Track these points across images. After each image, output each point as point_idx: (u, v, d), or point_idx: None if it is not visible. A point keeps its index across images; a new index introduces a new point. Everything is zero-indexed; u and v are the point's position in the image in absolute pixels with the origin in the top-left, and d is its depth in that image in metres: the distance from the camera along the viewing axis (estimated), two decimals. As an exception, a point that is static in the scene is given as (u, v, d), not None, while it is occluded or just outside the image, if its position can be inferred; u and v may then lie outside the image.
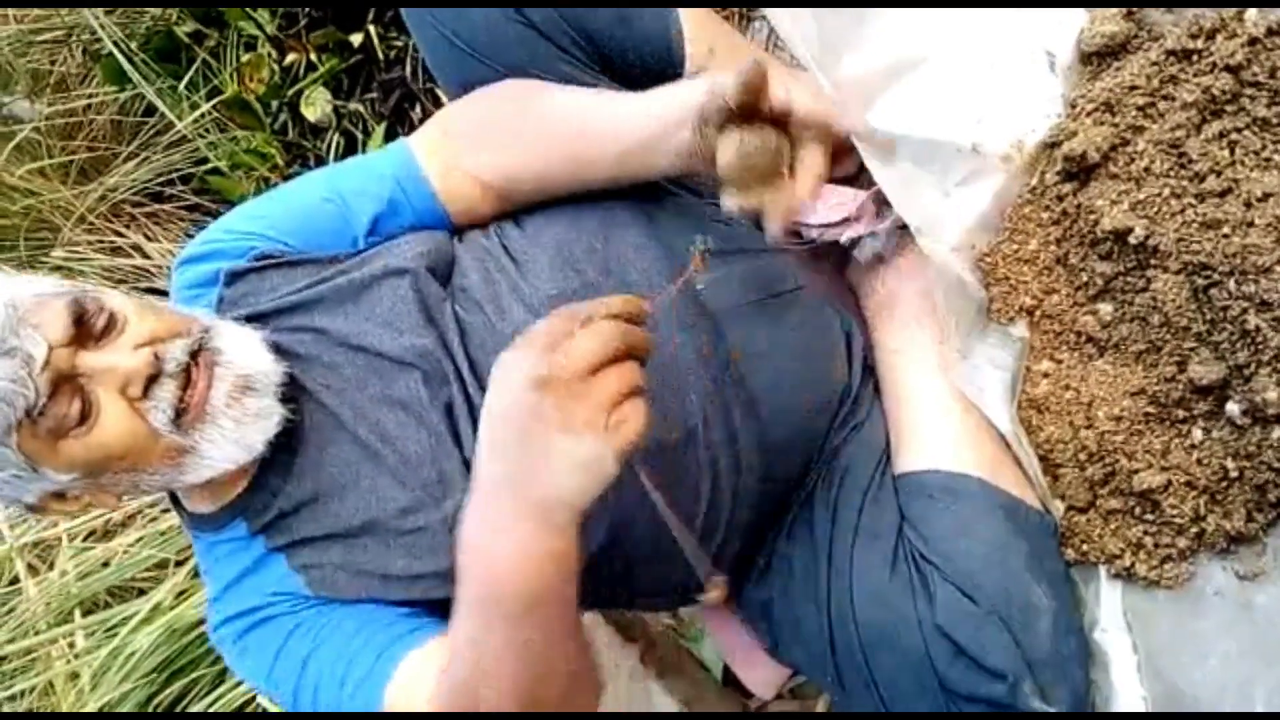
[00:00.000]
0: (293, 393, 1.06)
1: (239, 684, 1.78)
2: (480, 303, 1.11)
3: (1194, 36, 1.05)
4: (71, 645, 1.98)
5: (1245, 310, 0.97)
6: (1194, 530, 1.05)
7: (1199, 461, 1.04)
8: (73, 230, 2.41)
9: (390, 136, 2.02)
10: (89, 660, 1.89)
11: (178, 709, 1.84)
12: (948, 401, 1.14)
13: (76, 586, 1.98)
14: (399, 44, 2.06)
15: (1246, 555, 1.04)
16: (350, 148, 2.13)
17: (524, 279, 1.11)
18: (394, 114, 2.08)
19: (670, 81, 1.24)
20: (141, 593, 1.98)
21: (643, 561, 1.11)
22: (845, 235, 1.25)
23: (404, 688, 0.95)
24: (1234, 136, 1.01)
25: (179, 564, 1.96)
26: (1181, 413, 1.05)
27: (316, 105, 2.11)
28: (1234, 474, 1.02)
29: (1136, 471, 1.06)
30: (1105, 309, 1.10)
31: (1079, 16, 1.15)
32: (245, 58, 2.17)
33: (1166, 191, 1.03)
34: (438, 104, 1.91)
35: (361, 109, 2.10)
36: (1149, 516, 1.07)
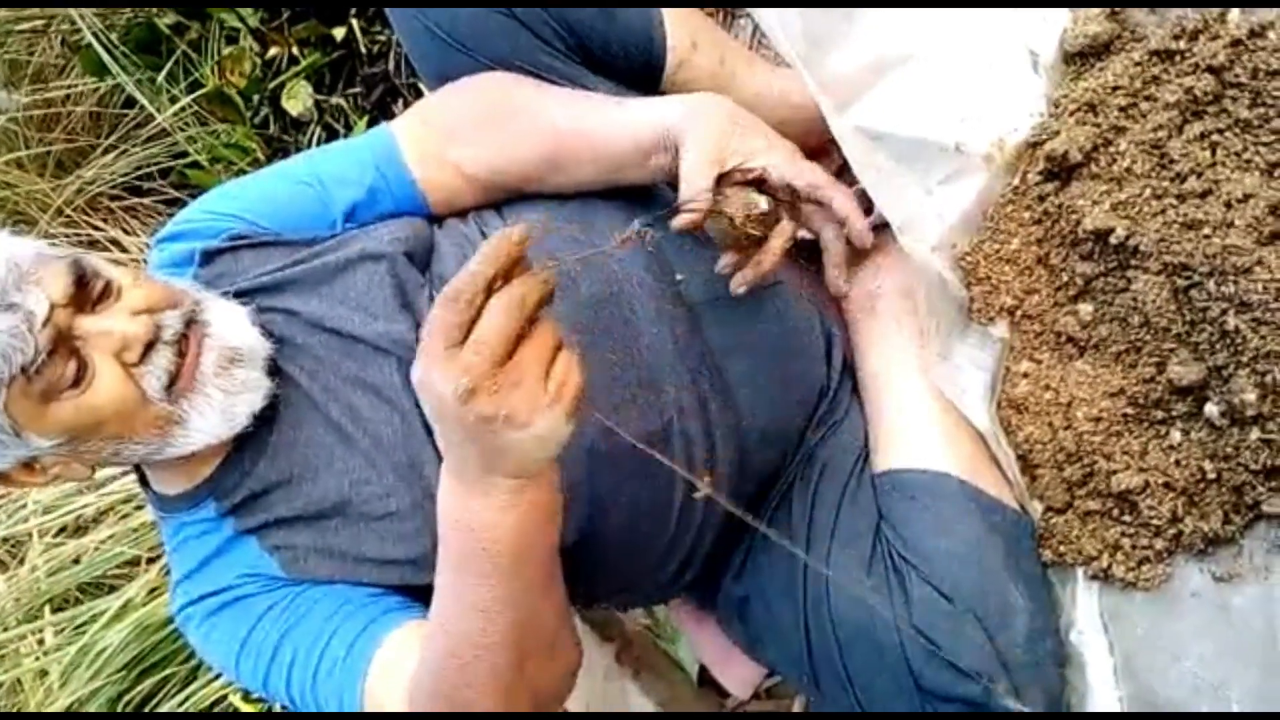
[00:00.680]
0: (272, 371, 1.05)
1: (211, 682, 1.76)
2: None
3: (1177, 37, 1.05)
4: (41, 642, 1.95)
5: (1225, 311, 0.97)
6: (1171, 532, 1.05)
7: (1177, 463, 1.04)
8: (49, 223, 2.38)
9: (372, 132, 2.01)
10: (58, 657, 1.86)
11: (148, 707, 1.81)
12: (927, 401, 1.14)
13: (46, 582, 1.96)
14: (382, 38, 2.05)
15: (1223, 557, 1.04)
16: (332, 142, 2.11)
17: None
18: (376, 108, 2.07)
19: (651, 75, 1.25)
20: (112, 589, 1.95)
21: (616, 557, 1.10)
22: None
23: (384, 668, 0.95)
24: (1215, 138, 1.02)
25: (151, 561, 1.93)
26: (1160, 414, 1.05)
27: (298, 99, 2.10)
28: (1212, 475, 1.02)
29: (1114, 473, 1.06)
30: (1085, 309, 1.09)
31: (1062, 16, 1.15)
32: (226, 51, 2.15)
33: (1148, 192, 1.03)
34: (420, 98, 1.90)
35: (344, 103, 2.09)
36: (1126, 518, 1.07)
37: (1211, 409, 1.00)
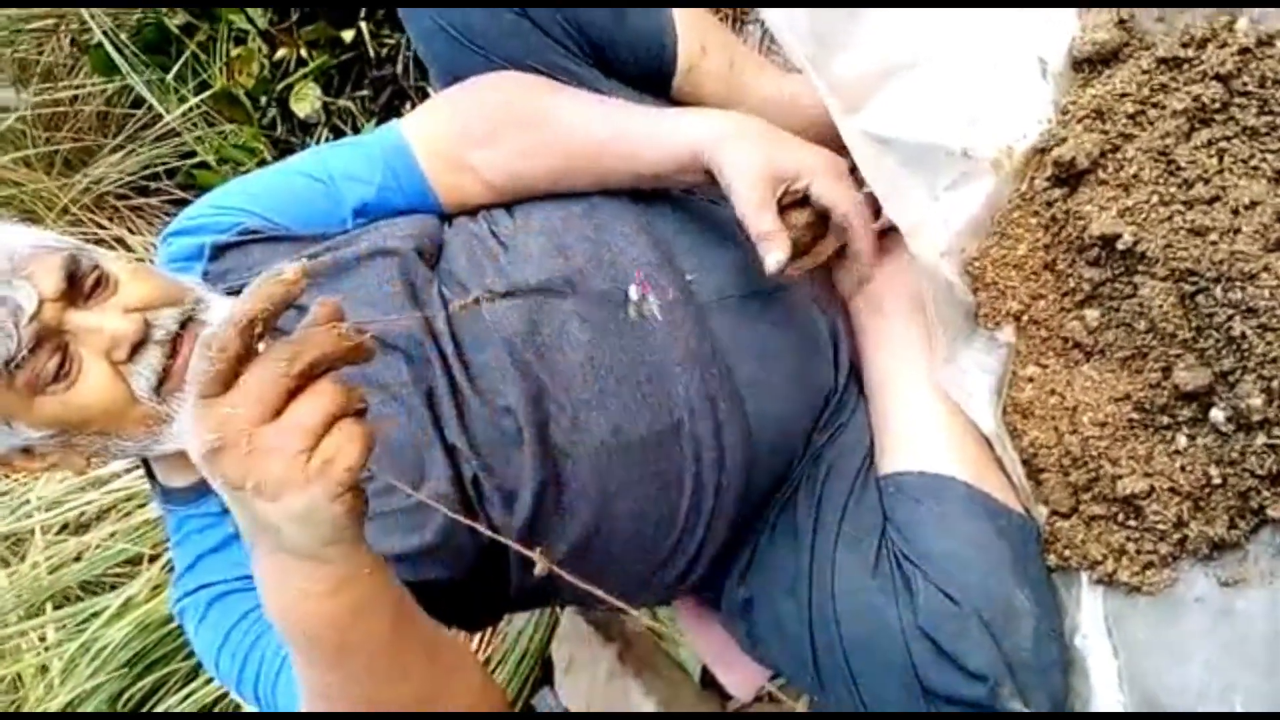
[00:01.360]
0: None
1: (212, 679, 1.76)
2: (467, 287, 1.10)
3: (1185, 45, 1.05)
4: (42, 638, 1.95)
5: (1231, 317, 0.97)
6: (1176, 536, 1.05)
7: (1182, 468, 1.04)
8: (56, 221, 2.39)
9: (380, 134, 2.01)
10: (59, 653, 1.86)
11: (149, 704, 1.82)
12: (933, 404, 1.14)
13: (48, 579, 1.96)
14: (391, 41, 2.06)
15: (1228, 562, 1.04)
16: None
17: (512, 265, 1.10)
18: (385, 111, 2.08)
19: (661, 79, 1.26)
20: (114, 587, 1.95)
21: (622, 557, 1.11)
22: (834, 236, 1.25)
23: None
24: (1223, 145, 1.02)
25: (152, 559, 1.94)
26: (1166, 419, 1.06)
27: (306, 101, 2.11)
28: (1217, 480, 1.02)
29: (1120, 477, 1.06)
30: (1092, 315, 1.10)
31: (1071, 24, 1.16)
32: (235, 51, 2.16)
33: (1155, 198, 1.03)
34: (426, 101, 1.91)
35: (352, 106, 2.10)
36: (1132, 522, 1.07)
37: (1217, 414, 1.01)
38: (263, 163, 2.19)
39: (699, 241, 1.17)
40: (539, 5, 1.17)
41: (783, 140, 1.09)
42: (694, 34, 1.27)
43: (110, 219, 2.43)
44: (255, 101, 2.19)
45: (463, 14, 1.18)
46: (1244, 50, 1.01)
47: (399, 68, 2.05)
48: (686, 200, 1.24)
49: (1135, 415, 1.07)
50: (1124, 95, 1.08)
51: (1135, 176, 1.05)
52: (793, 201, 1.08)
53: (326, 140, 2.14)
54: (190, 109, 2.20)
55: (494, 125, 1.16)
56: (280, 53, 2.12)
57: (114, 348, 0.95)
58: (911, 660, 1.02)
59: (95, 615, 1.87)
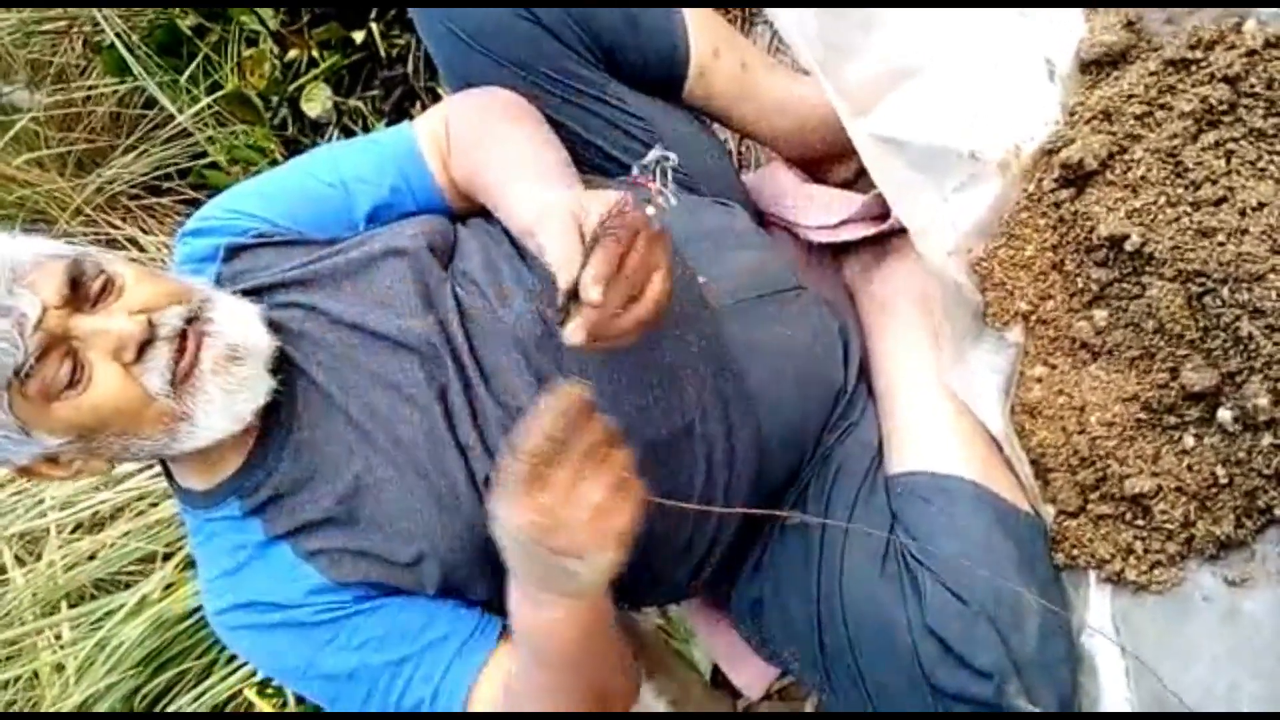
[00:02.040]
0: (284, 368, 1.06)
1: (226, 677, 1.77)
2: (481, 286, 1.11)
3: (1193, 47, 1.06)
4: (58, 637, 1.96)
5: (1238, 317, 0.98)
6: (1184, 536, 1.05)
7: (1190, 467, 1.05)
8: (69, 222, 2.39)
9: (390, 135, 2.02)
10: (74, 651, 1.87)
11: (164, 702, 1.83)
12: (941, 404, 1.15)
13: (63, 578, 1.97)
14: (401, 41, 2.06)
15: (1235, 561, 1.04)
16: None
17: (526, 266, 1.11)
18: (395, 111, 2.08)
19: (673, 82, 1.26)
20: (129, 585, 1.96)
21: (635, 554, 1.11)
22: (842, 237, 1.26)
23: (477, 705, 1.04)
24: (1230, 146, 1.03)
25: (167, 557, 1.94)
26: (1173, 419, 1.06)
27: (317, 101, 2.11)
28: (1224, 480, 1.03)
29: (1127, 477, 1.07)
30: (1100, 315, 1.10)
31: (1079, 26, 1.16)
32: (247, 52, 2.16)
33: (1162, 199, 1.04)
34: (439, 102, 1.92)
35: (362, 106, 2.11)
36: (1139, 522, 1.08)
37: (1225, 414, 1.01)
38: (274, 163, 2.19)
39: (711, 245, 1.18)
40: (549, 5, 1.18)
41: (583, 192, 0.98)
42: (706, 36, 1.27)
43: (123, 219, 2.44)
44: (266, 102, 2.19)
45: (473, 17, 1.18)
46: (1251, 52, 1.02)
47: (410, 68, 2.06)
48: (698, 204, 1.25)
49: (1143, 415, 1.07)
50: (1131, 97, 1.09)
51: (1143, 178, 1.05)
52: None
53: (337, 140, 2.14)
54: (202, 109, 2.21)
55: (457, 142, 1.18)
56: (291, 54, 2.13)
57: (121, 349, 0.96)
58: (919, 658, 1.03)
59: (110, 614, 1.87)
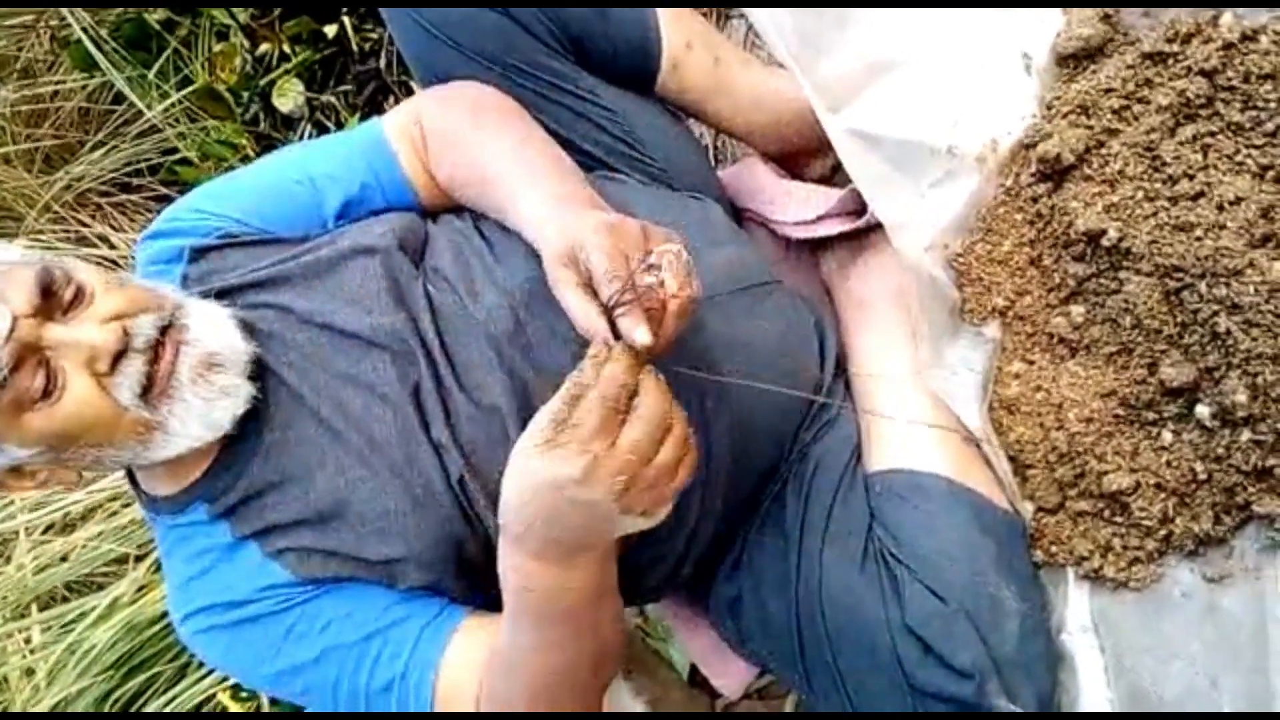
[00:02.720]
0: (257, 372, 1.04)
1: (199, 680, 1.75)
2: (453, 283, 1.09)
3: (1170, 40, 1.06)
4: (27, 640, 1.94)
5: (1216, 313, 0.97)
6: (1162, 532, 1.05)
7: (1168, 464, 1.04)
8: (37, 219, 2.36)
9: (363, 130, 2.00)
10: (45, 655, 1.85)
11: (136, 705, 1.80)
12: (919, 401, 1.14)
13: (34, 580, 1.94)
14: (374, 36, 2.04)
15: (1214, 557, 1.04)
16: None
17: (498, 262, 1.10)
18: (368, 106, 2.06)
19: (645, 75, 1.25)
20: (100, 587, 1.94)
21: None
22: (818, 232, 1.25)
23: (451, 685, 1.01)
24: (1207, 140, 1.02)
25: (139, 559, 1.92)
26: (1151, 415, 1.06)
27: (289, 96, 2.09)
28: (1203, 476, 1.02)
29: (1106, 473, 1.06)
30: (1077, 311, 1.10)
31: (1055, 19, 1.16)
32: (217, 47, 2.14)
33: (1140, 194, 1.04)
34: (412, 96, 1.90)
35: (335, 101, 2.08)
36: (1118, 518, 1.08)
37: (1203, 410, 1.01)
38: (245, 159, 2.17)
39: (687, 239, 1.17)
40: (522, 5, 1.16)
41: (579, 217, 0.93)
42: (678, 29, 1.26)
43: (93, 216, 2.41)
44: (238, 97, 2.16)
45: (443, 13, 1.17)
46: (1228, 45, 1.01)
47: (382, 62, 2.04)
48: (672, 199, 1.24)
49: (1121, 411, 1.07)
50: (1109, 90, 1.08)
51: (1120, 172, 1.05)
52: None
53: (310, 135, 2.12)
54: (172, 105, 2.18)
55: (443, 137, 1.16)
56: (262, 48, 2.10)
57: (95, 359, 0.94)
58: (898, 658, 1.02)
59: (82, 616, 1.85)
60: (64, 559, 1.97)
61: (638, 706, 1.45)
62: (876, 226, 1.18)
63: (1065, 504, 1.11)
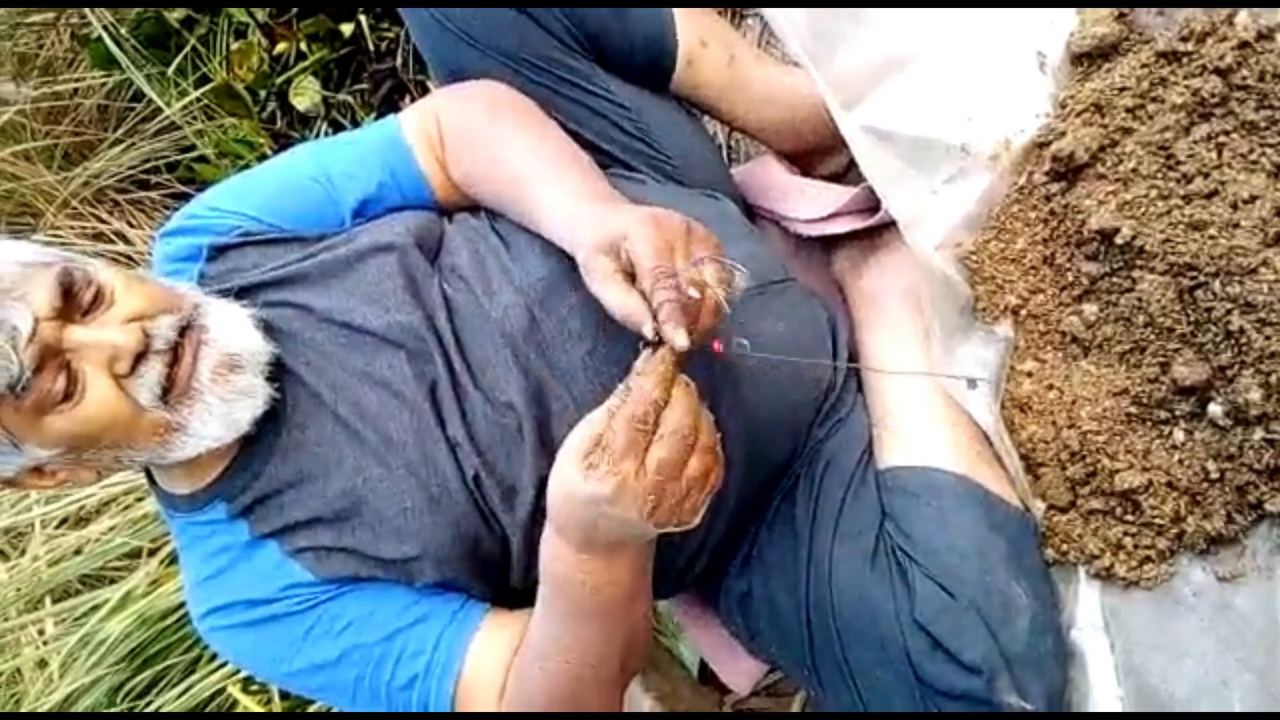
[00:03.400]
0: (275, 371, 1.05)
1: (211, 673, 1.76)
2: (469, 282, 1.10)
3: (1184, 39, 1.05)
4: (41, 632, 1.95)
5: (1230, 311, 0.97)
6: (1174, 531, 1.05)
7: (1180, 462, 1.04)
8: (55, 215, 2.39)
9: (379, 129, 2.01)
10: (58, 647, 1.86)
11: (148, 698, 1.82)
12: (931, 399, 1.14)
13: (48, 573, 1.96)
14: (390, 35, 2.05)
15: (1226, 557, 1.04)
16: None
17: (514, 261, 1.10)
18: (384, 105, 2.07)
19: (660, 72, 1.26)
20: (113, 581, 1.95)
21: None
22: (831, 229, 1.25)
23: (472, 684, 1.02)
24: (1222, 139, 1.02)
25: (152, 552, 1.93)
26: (1164, 413, 1.05)
27: (306, 95, 2.11)
28: (1215, 475, 1.02)
29: (1118, 472, 1.06)
30: (1090, 309, 1.10)
31: (1070, 18, 1.16)
32: (235, 45, 2.16)
33: (1154, 193, 1.03)
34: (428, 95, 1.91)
35: (351, 100, 2.10)
36: (1129, 517, 1.07)
37: (1215, 409, 1.01)
38: (263, 157, 2.18)
39: None
40: (539, 5, 1.17)
41: (616, 210, 0.94)
42: (693, 27, 1.26)
43: (111, 213, 2.43)
44: (255, 95, 2.18)
45: (462, 9, 1.17)
46: (1243, 44, 1.01)
47: (398, 61, 2.05)
48: (686, 196, 1.24)
49: (1133, 410, 1.07)
50: (1123, 89, 1.08)
51: (1134, 171, 1.05)
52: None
53: (326, 134, 2.13)
54: (190, 103, 2.20)
55: (460, 136, 1.16)
56: (280, 47, 2.12)
57: (115, 360, 0.95)
58: (908, 653, 1.02)
59: (95, 609, 1.87)
60: (78, 552, 1.99)
61: (647, 703, 1.45)
62: (889, 224, 1.18)
63: (1077, 502, 1.10)
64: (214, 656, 1.78)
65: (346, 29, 2.05)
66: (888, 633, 1.03)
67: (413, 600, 1.05)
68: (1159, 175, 1.04)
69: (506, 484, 1.05)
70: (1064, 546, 1.10)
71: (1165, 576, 1.06)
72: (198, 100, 2.20)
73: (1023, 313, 1.14)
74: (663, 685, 1.47)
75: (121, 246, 2.36)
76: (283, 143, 2.21)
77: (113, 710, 1.83)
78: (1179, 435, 1.05)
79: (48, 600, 1.97)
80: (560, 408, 1.06)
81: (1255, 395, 0.97)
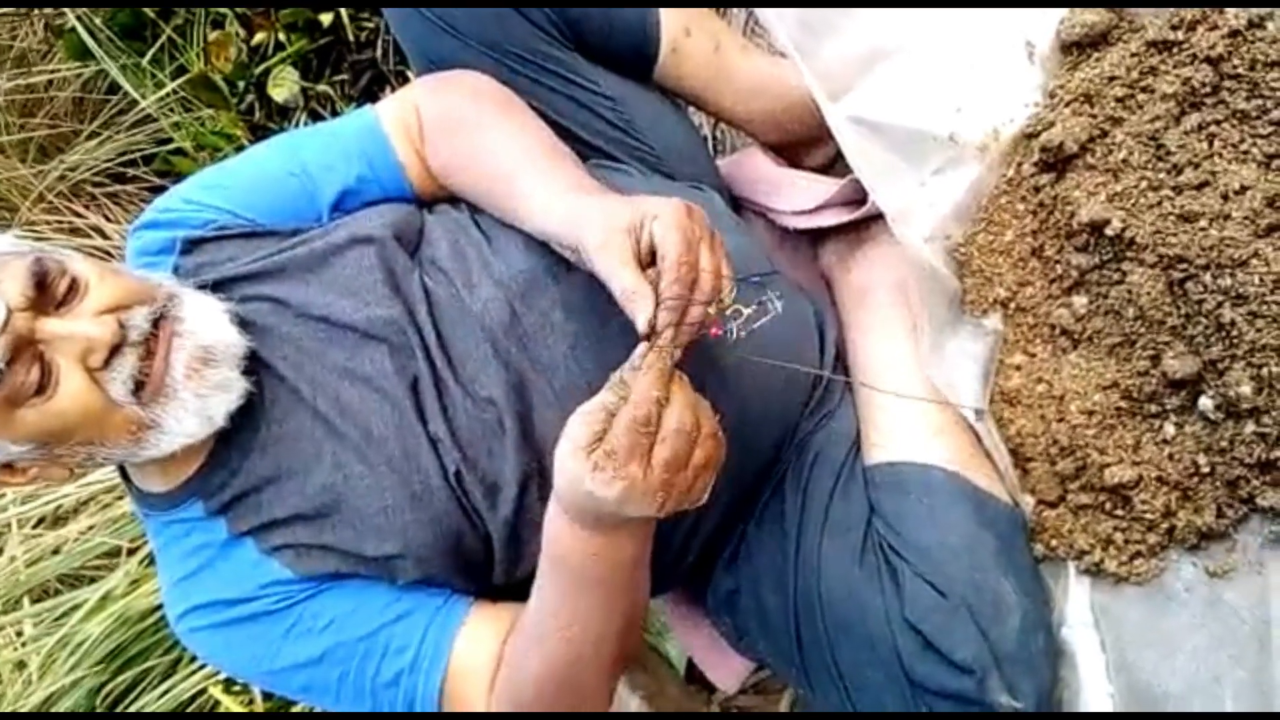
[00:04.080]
0: (251, 366, 1.03)
1: (191, 674, 1.74)
2: (449, 275, 1.08)
3: (1175, 28, 1.04)
4: (19, 633, 1.93)
5: (1220, 304, 0.96)
6: (1164, 526, 1.04)
7: (1171, 456, 1.03)
8: (31, 209, 2.36)
9: (359, 120, 1.99)
10: (37, 648, 1.84)
11: (128, 699, 1.80)
12: (919, 393, 1.13)
13: (25, 573, 1.93)
14: (370, 25, 2.03)
15: (1216, 551, 1.03)
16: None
17: (495, 254, 1.08)
18: (364, 96, 2.05)
19: (643, 61, 1.24)
20: (92, 580, 1.93)
21: None
22: (818, 222, 1.24)
23: (461, 673, 1.02)
24: (1213, 129, 1.01)
25: (131, 552, 1.91)
26: (1154, 407, 1.04)
27: (284, 86, 2.08)
28: (1205, 469, 1.01)
29: (1108, 466, 1.05)
30: (1080, 302, 1.09)
31: (1059, 6, 1.14)
32: (212, 36, 2.12)
33: (1144, 184, 1.02)
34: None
35: (330, 91, 2.07)
36: (1119, 512, 1.06)
37: (1206, 402, 1.00)
38: (240, 149, 2.15)
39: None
40: (531, 5, 1.15)
41: (631, 200, 0.92)
42: (677, 15, 1.25)
43: (87, 206, 2.40)
44: (233, 86, 2.15)
45: (442, -1, 1.15)
46: (1234, 33, 1.00)
47: (378, 52, 2.02)
48: (671, 188, 1.23)
49: (1123, 403, 1.06)
50: (1113, 79, 1.07)
51: (1124, 161, 1.04)
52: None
53: (305, 125, 2.10)
54: (167, 94, 2.17)
55: (440, 126, 1.14)
56: (258, 37, 2.09)
57: (90, 353, 0.93)
58: (897, 652, 1.01)
59: (74, 609, 1.85)
60: (56, 552, 1.97)
61: (634, 702, 1.44)
62: (877, 216, 1.17)
63: (1066, 497, 1.09)
64: (195, 657, 1.76)
65: (325, 19, 2.02)
66: (877, 632, 1.02)
67: (396, 596, 1.04)
68: (1149, 166, 1.03)
69: (488, 480, 1.04)
70: (1053, 542, 1.09)
71: (1156, 572, 1.05)
72: (174, 92, 2.17)
73: (1012, 305, 1.13)
74: (650, 684, 1.46)
75: (99, 241, 2.33)
76: (261, 134, 2.18)
77: (94, 712, 1.81)
78: (1169, 429, 1.04)
79: (26, 601, 1.94)
80: (542, 402, 1.04)
81: (1246, 389, 0.96)
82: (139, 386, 0.95)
